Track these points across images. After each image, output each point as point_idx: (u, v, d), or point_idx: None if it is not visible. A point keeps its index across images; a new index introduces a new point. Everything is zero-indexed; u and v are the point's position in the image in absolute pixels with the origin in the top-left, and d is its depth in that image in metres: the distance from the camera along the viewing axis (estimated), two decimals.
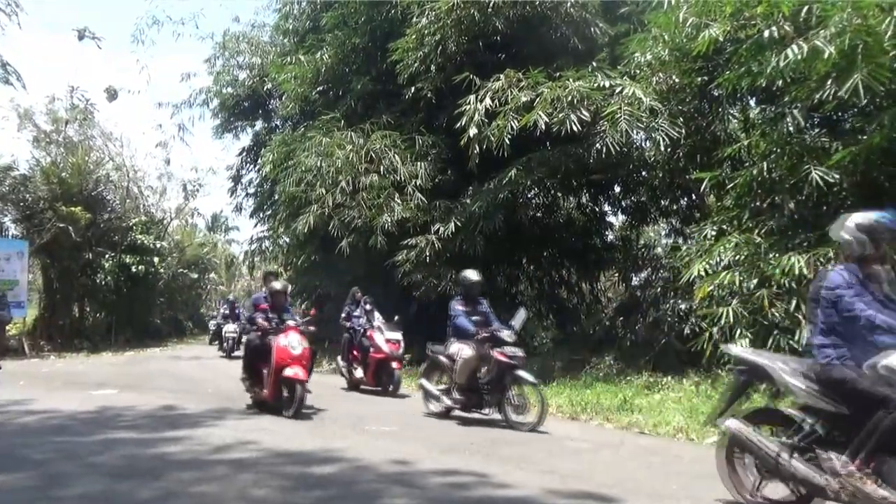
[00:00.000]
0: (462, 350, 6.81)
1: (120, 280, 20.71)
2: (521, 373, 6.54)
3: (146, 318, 24.07)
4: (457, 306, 7.09)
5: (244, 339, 9.96)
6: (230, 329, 15.91)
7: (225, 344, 16.12)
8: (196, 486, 4.09)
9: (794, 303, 6.94)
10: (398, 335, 9.46)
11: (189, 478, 4.27)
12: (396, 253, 11.23)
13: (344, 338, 10.26)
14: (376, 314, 10.03)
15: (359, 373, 9.77)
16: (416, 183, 11.56)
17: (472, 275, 7.35)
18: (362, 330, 9.84)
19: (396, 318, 9.99)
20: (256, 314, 7.57)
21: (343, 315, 10.38)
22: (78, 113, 21.44)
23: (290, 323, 7.28)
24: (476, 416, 6.87)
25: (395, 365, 9.24)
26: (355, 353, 9.93)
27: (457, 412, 7.04)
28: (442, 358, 7.21)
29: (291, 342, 6.95)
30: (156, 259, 22.16)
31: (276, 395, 6.99)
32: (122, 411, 7.13)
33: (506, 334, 6.70)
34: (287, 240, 16.95)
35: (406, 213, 11.34)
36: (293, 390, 6.78)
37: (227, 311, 17.36)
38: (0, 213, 18.99)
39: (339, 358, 10.37)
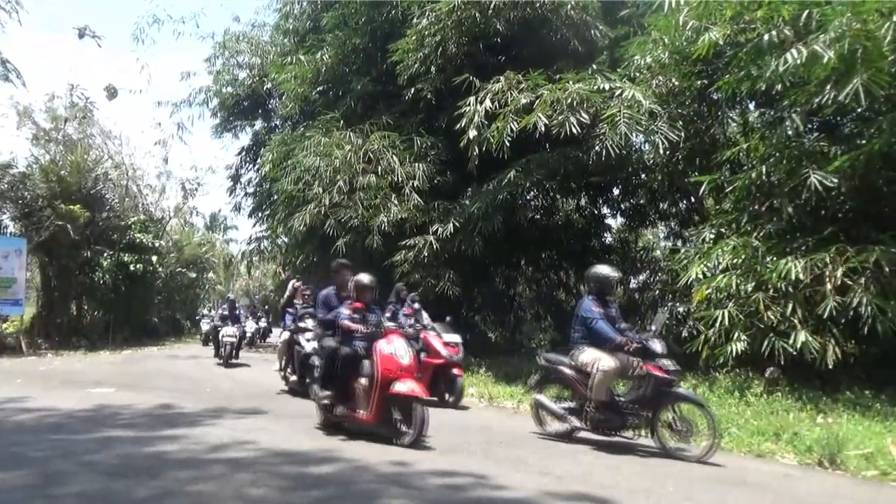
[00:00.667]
0: (601, 360, 5.70)
1: (118, 279, 20.67)
2: (683, 390, 5.73)
3: (144, 317, 24.00)
4: (592, 308, 5.92)
5: (305, 344, 8.50)
6: (229, 333, 13.99)
7: (222, 350, 13.94)
8: (193, 485, 4.09)
9: (790, 306, 6.96)
10: (457, 337, 8.56)
11: (186, 477, 4.27)
12: (395, 253, 11.24)
13: None
14: (424, 314, 9.14)
15: None
16: (413, 184, 11.56)
17: (607, 270, 6.31)
18: (413, 332, 8.95)
19: (449, 318, 9.30)
20: (339, 314, 6.18)
21: (387, 315, 9.78)
22: (77, 111, 21.42)
23: (389, 325, 6.03)
24: (617, 439, 5.90)
25: (456, 371, 8.18)
26: None
27: (585, 434, 6.01)
28: (565, 369, 6.05)
29: (398, 350, 5.69)
30: (154, 258, 22.11)
31: (380, 416, 5.68)
32: (120, 410, 7.12)
33: (657, 344, 5.67)
34: (285, 240, 16.95)
35: (404, 214, 11.35)
36: (408, 411, 5.51)
37: (226, 312, 14.85)
38: None
39: None
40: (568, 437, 6.03)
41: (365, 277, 6.27)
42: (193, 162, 38.99)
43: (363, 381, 5.77)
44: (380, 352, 5.69)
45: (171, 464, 4.62)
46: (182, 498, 3.82)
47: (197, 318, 25.55)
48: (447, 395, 8.12)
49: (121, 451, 5.00)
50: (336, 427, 6.05)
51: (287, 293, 10.28)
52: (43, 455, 4.80)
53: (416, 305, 9.19)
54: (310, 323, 8.55)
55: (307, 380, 7.73)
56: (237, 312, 15.13)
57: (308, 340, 8.41)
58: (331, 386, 6.00)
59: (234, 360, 13.83)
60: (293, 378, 8.86)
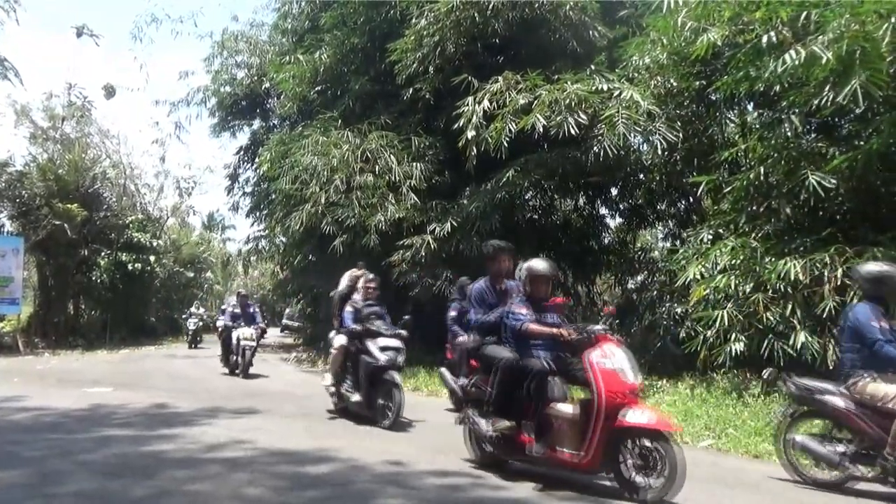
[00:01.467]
0: None
1: (115, 278, 20.66)
2: None
3: (142, 317, 24.01)
4: (872, 321, 4.35)
5: (378, 354, 6.63)
6: (246, 335, 11.18)
7: (237, 357, 11.27)
8: (190, 484, 4.07)
9: (789, 307, 6.97)
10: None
11: (183, 476, 4.26)
12: (392, 253, 11.23)
13: (458, 344, 7.26)
14: None
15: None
16: (410, 183, 11.56)
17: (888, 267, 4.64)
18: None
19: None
20: (514, 314, 4.61)
21: (452, 314, 7.82)
22: (75, 110, 21.40)
23: (597, 328, 4.36)
24: None
25: None
26: (475, 364, 7.20)
27: (862, 485, 4.50)
28: (837, 401, 4.48)
29: (621, 364, 4.13)
30: (152, 257, 22.12)
31: (599, 458, 4.11)
32: (117, 409, 7.10)
33: None
34: (283, 239, 16.94)
35: (401, 214, 11.35)
36: (649, 453, 3.95)
37: (237, 310, 12.03)
38: None
39: (442, 370, 6.63)
40: (839, 487, 4.53)
41: (540, 264, 4.79)
42: (190, 161, 38.86)
43: (567, 408, 4.32)
44: (598, 367, 4.13)
45: (167, 463, 4.61)
46: (179, 497, 3.81)
47: (183, 316, 21.98)
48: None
49: (117, 451, 4.99)
50: (497, 466, 4.72)
51: (343, 284, 7.92)
52: (39, 454, 4.79)
53: None
54: (381, 326, 6.91)
55: (465, 405, 5.14)
56: (252, 310, 12.16)
57: (382, 349, 6.62)
58: (509, 413, 4.47)
59: (253, 371, 11.30)
60: (355, 397, 6.76)
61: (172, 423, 6.26)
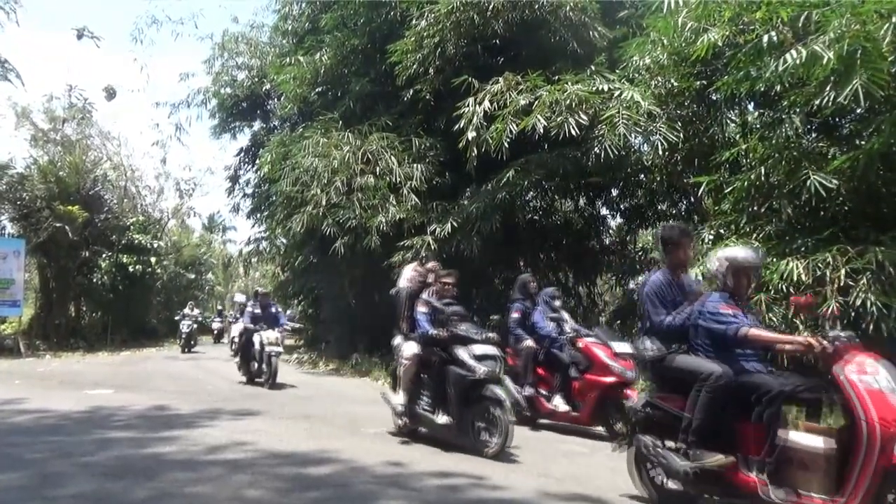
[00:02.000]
0: None
1: (116, 279, 20.67)
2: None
3: (143, 318, 24.01)
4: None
5: (476, 366, 5.43)
6: (271, 339, 9.94)
7: (261, 365, 10.03)
8: (191, 486, 4.07)
9: (792, 308, 6.95)
10: (628, 346, 6.30)
11: (183, 478, 4.25)
12: (392, 254, 11.23)
13: (523, 349, 6.89)
14: (566, 315, 7.33)
15: (558, 402, 6.57)
16: (411, 185, 11.56)
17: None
18: (562, 338, 6.85)
19: (603, 318, 7.56)
20: (720, 313, 3.75)
21: (515, 316, 7.13)
22: (76, 112, 21.42)
23: (843, 336, 3.52)
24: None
25: (629, 393, 6.02)
26: (541, 372, 6.92)
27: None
28: None
29: (886, 381, 3.28)
30: (153, 259, 22.13)
31: None
32: (117, 411, 7.10)
33: None
34: (284, 241, 16.93)
35: (402, 215, 11.35)
36: None
37: (257, 310, 10.71)
38: None
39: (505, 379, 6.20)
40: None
41: (747, 252, 3.96)
42: (190, 163, 39.01)
43: (814, 441, 3.41)
44: (862, 387, 3.25)
45: (168, 465, 4.61)
46: (179, 499, 3.80)
47: (176, 318, 19.89)
48: (621, 425, 5.91)
49: (118, 453, 4.99)
50: None
51: (405, 280, 6.55)
52: (40, 456, 4.79)
53: (558, 302, 7.21)
54: (471, 329, 5.82)
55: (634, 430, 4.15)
56: (274, 311, 11.00)
57: (478, 358, 5.45)
58: (717, 444, 3.62)
59: (279, 381, 10.04)
60: (442, 419, 5.61)
61: (173, 425, 6.25)
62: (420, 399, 5.88)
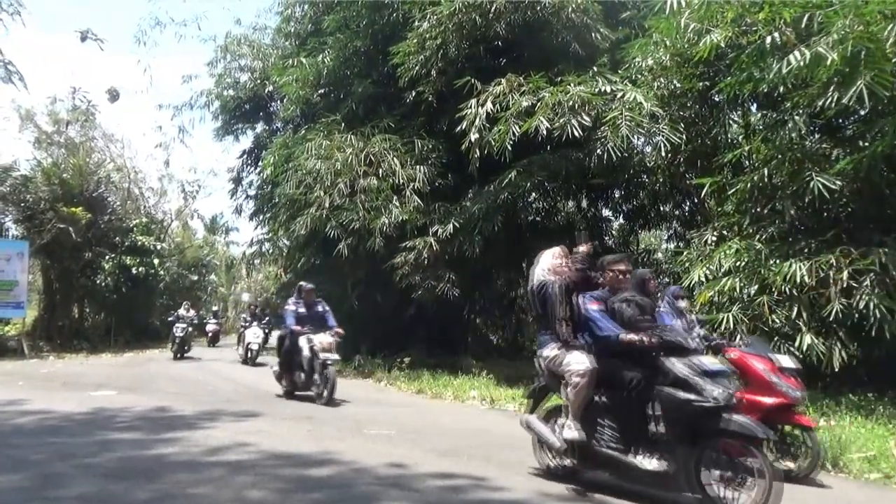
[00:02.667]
0: None
1: (120, 281, 20.71)
2: None
3: (145, 320, 24.06)
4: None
5: (712, 389, 3.82)
6: (325, 343, 8.43)
7: (310, 376, 8.53)
8: (193, 487, 4.07)
9: (795, 309, 6.93)
10: (792, 361, 5.29)
11: (185, 479, 4.25)
12: (395, 255, 11.23)
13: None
14: (694, 317, 6.27)
15: None
16: (414, 186, 11.57)
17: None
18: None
19: (739, 326, 6.42)
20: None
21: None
22: (79, 114, 21.49)
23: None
24: None
25: (801, 418, 5.02)
26: None
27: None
28: None
29: None
30: (156, 261, 22.18)
31: None
32: (120, 412, 7.10)
33: None
34: (287, 242, 16.95)
35: (405, 216, 11.35)
36: None
37: (301, 309, 9.06)
38: (1, 214, 19.00)
39: None
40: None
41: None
42: (194, 164, 39.09)
43: None
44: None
45: (170, 466, 4.60)
46: (182, 500, 3.80)
47: (169, 318, 18.02)
48: (795, 463, 4.89)
49: (120, 454, 4.98)
50: None
51: (548, 268, 4.78)
52: (42, 457, 4.79)
53: (683, 304, 6.05)
54: (678, 333, 4.30)
55: None
56: (321, 309, 9.12)
57: (706, 376, 3.93)
58: None
59: (337, 397, 8.43)
60: (651, 463, 3.99)
61: (175, 427, 6.25)
62: (599, 432, 4.30)
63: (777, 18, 7.09)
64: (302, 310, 8.93)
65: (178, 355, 16.19)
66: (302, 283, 9.53)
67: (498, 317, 16.75)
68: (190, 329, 17.19)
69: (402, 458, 5.02)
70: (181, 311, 17.35)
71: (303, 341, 8.52)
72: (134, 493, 3.92)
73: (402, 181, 11.64)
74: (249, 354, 15.26)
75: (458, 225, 11.03)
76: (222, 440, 5.57)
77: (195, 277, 29.59)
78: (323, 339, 8.43)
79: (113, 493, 3.92)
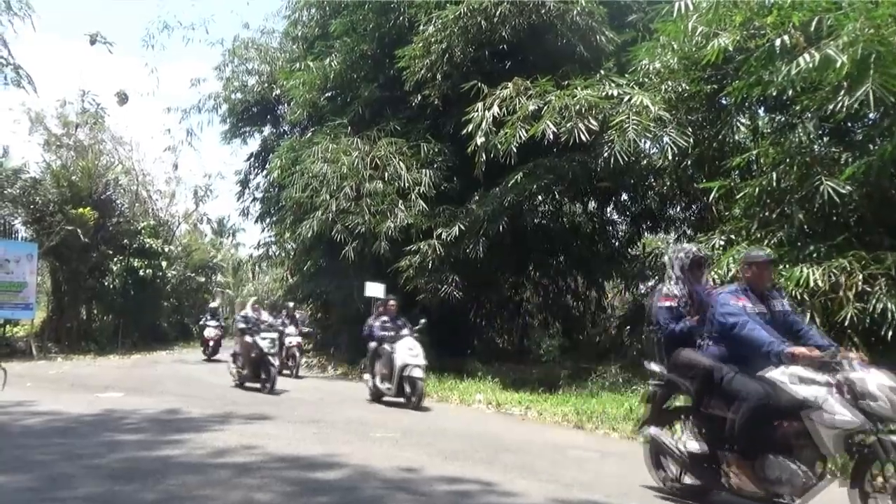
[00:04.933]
0: None
1: (127, 283, 20.80)
2: None
3: (153, 322, 24.13)
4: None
5: None
6: (414, 356, 8.59)
7: (400, 388, 8.56)
8: (199, 489, 4.07)
9: (808, 314, 6.87)
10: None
11: (192, 481, 4.26)
12: (401, 258, 11.23)
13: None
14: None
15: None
16: (419, 190, 11.58)
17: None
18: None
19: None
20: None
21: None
22: (88, 117, 21.63)
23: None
24: None
25: None
26: None
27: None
28: None
29: None
30: (163, 263, 22.27)
31: None
32: (127, 414, 7.13)
33: None
34: (293, 245, 16.99)
35: (410, 220, 11.36)
36: None
37: (389, 322, 9.31)
38: (10, 216, 19.13)
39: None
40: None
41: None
42: (203, 168, 39.34)
43: None
44: None
45: (177, 468, 4.61)
46: (188, 502, 3.81)
47: (200, 321, 18.14)
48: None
49: (127, 455, 5.00)
50: None
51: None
52: (49, 458, 4.81)
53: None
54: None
55: None
56: (399, 322, 9.29)
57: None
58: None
59: (425, 403, 8.55)
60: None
61: (183, 429, 6.27)
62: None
63: (786, 22, 7.05)
64: (388, 323, 9.23)
65: (211, 356, 16.53)
66: (384, 296, 10.16)
67: (504, 320, 16.71)
68: (220, 333, 17.14)
69: (409, 462, 5.01)
70: (213, 304, 17.82)
71: (396, 354, 8.67)
72: (141, 494, 3.93)
73: (407, 185, 11.65)
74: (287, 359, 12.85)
75: (463, 228, 11.02)
76: (229, 442, 5.58)
77: (202, 279, 29.68)
78: (412, 346, 8.69)
79: (120, 494, 3.93)
